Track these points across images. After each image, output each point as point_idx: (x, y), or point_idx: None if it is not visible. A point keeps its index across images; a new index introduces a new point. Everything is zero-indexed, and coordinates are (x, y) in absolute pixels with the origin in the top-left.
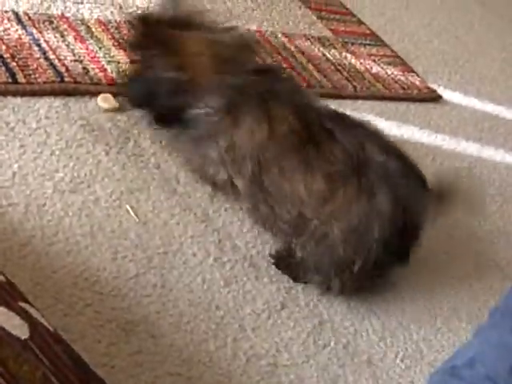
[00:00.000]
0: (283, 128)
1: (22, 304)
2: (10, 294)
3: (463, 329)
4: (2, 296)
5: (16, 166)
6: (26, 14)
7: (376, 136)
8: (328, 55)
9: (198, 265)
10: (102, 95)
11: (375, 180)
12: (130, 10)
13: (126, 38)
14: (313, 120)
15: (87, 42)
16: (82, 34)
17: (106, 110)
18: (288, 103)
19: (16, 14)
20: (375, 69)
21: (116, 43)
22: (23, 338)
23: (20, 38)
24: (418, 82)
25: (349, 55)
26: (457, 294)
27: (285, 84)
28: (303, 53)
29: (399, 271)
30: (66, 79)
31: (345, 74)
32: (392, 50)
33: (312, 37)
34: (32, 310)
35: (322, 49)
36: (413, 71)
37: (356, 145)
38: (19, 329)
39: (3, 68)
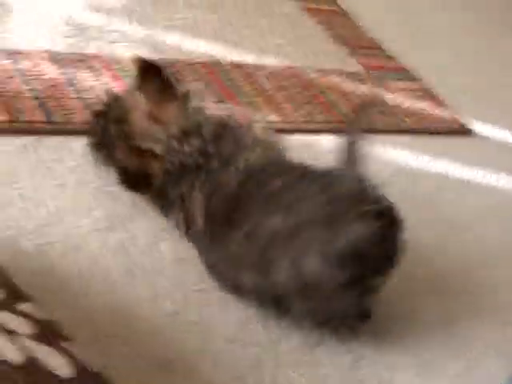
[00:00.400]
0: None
1: (65, 343)
2: (52, 333)
3: (498, 366)
4: (44, 335)
5: (53, 204)
6: (61, 53)
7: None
8: (359, 90)
9: (233, 302)
10: None
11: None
12: (164, 49)
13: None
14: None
15: (122, 81)
16: (117, 72)
17: None
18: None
19: (52, 54)
20: (406, 103)
21: None
22: (66, 377)
23: (56, 78)
24: (448, 116)
25: (380, 90)
26: (494, 329)
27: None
28: (334, 88)
29: (434, 309)
30: None
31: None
32: (422, 84)
33: (343, 72)
34: (74, 349)
35: (353, 84)
36: (443, 105)
37: None
38: (63, 367)
39: (40, 108)
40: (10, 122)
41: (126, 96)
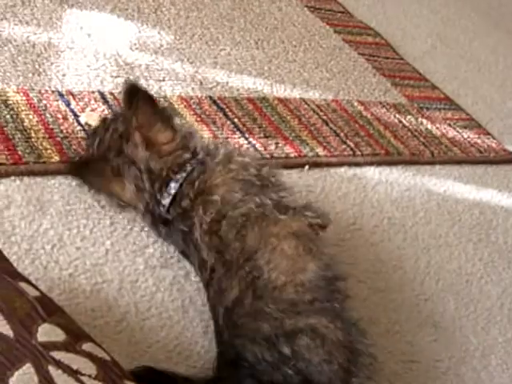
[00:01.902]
0: None
1: (128, 382)
2: (115, 373)
3: None
4: (108, 375)
5: (108, 242)
6: (111, 93)
7: None
8: (404, 121)
9: None
10: (86, 114)
11: None
12: (211, 86)
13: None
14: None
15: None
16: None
17: None
18: None
19: (102, 94)
20: (451, 133)
21: (199, 119)
22: None
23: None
24: (494, 145)
25: (424, 120)
26: None
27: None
28: (379, 120)
29: None
30: None
31: (422, 139)
32: (467, 113)
33: (387, 103)
34: None
35: (397, 115)
36: (488, 133)
37: None
38: None
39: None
40: (63, 162)
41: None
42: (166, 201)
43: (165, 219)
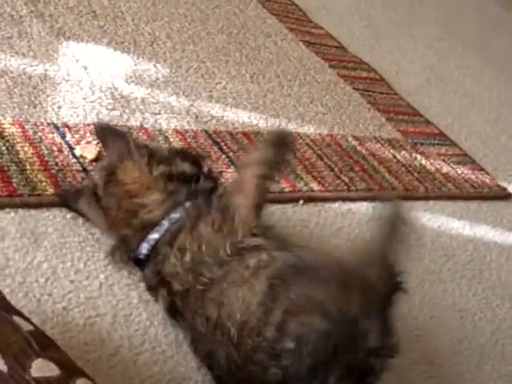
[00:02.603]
0: None
1: None
2: None
3: None
4: None
5: (102, 276)
6: None
7: None
8: (398, 157)
9: None
10: (81, 146)
11: None
12: (206, 120)
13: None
14: None
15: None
16: (161, 144)
17: (91, 160)
18: None
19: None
20: (445, 168)
21: (194, 152)
22: None
23: (101, 150)
24: (488, 180)
25: (419, 156)
26: None
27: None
28: (374, 155)
29: None
30: None
31: (416, 175)
32: (460, 149)
33: (382, 139)
34: None
35: (392, 150)
36: (482, 169)
37: None
38: None
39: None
40: (57, 195)
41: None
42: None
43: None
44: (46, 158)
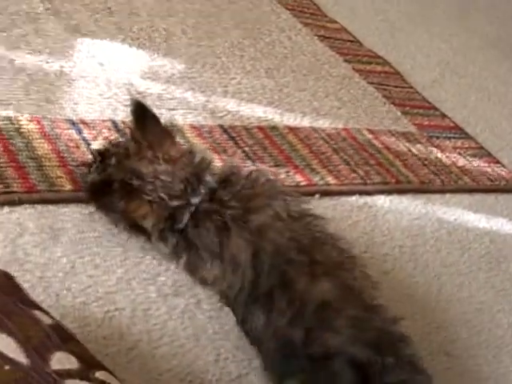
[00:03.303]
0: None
1: None
2: None
3: None
4: None
5: (120, 271)
6: (123, 122)
7: None
8: (414, 150)
9: None
10: (98, 142)
11: None
12: (221, 115)
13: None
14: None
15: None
16: (177, 139)
17: None
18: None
19: (114, 123)
20: (461, 162)
21: (210, 147)
22: None
23: None
24: (504, 173)
25: (434, 149)
26: None
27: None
28: (389, 149)
29: None
30: None
31: (432, 168)
32: (476, 142)
33: (397, 132)
34: None
35: (407, 144)
36: (498, 162)
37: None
38: None
39: None
40: (75, 191)
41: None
42: (196, 200)
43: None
44: (64, 154)
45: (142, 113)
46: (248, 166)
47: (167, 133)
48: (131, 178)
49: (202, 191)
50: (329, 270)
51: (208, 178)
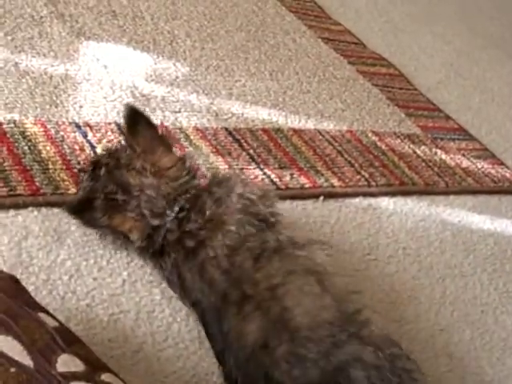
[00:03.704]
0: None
1: None
2: None
3: None
4: None
5: (125, 273)
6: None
7: None
8: (418, 152)
9: None
10: (103, 145)
11: None
12: (226, 117)
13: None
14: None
15: (186, 150)
16: (182, 141)
17: None
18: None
19: (118, 126)
20: (465, 163)
21: (214, 150)
22: None
23: None
24: (508, 175)
25: (439, 151)
26: None
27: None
28: (394, 150)
29: None
30: None
31: (436, 169)
32: (481, 144)
33: (401, 134)
34: None
35: (412, 146)
36: (502, 163)
37: None
38: None
39: None
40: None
41: (120, 149)
42: (170, 218)
43: (160, 247)
44: (69, 157)
45: (134, 118)
46: (254, 169)
47: (161, 139)
48: (116, 192)
49: (172, 215)
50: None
51: (179, 202)
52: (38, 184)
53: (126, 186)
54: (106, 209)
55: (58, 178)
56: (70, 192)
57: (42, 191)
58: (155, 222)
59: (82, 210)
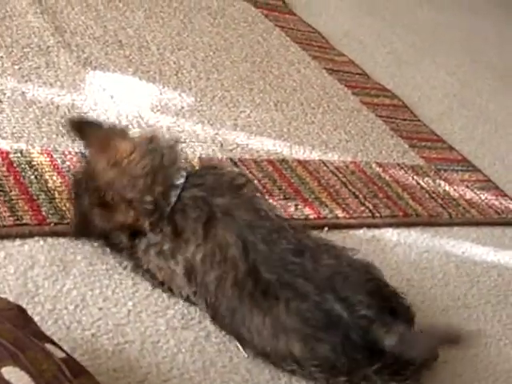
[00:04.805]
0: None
1: None
2: None
3: None
4: None
5: (130, 303)
6: None
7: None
8: (422, 183)
9: None
10: None
11: None
12: (231, 148)
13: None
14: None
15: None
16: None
17: None
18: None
19: None
20: (469, 194)
21: None
22: None
23: None
24: (511, 206)
25: (442, 182)
26: None
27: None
28: (398, 182)
29: None
30: None
31: (439, 201)
32: (484, 175)
33: (405, 165)
34: None
35: (415, 177)
36: (506, 195)
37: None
38: None
39: None
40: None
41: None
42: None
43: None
44: None
45: (78, 126)
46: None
47: (111, 130)
48: (100, 196)
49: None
50: None
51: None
52: (44, 214)
53: (105, 185)
54: (102, 214)
55: (64, 208)
56: None
57: (48, 221)
58: (148, 198)
59: (83, 227)
